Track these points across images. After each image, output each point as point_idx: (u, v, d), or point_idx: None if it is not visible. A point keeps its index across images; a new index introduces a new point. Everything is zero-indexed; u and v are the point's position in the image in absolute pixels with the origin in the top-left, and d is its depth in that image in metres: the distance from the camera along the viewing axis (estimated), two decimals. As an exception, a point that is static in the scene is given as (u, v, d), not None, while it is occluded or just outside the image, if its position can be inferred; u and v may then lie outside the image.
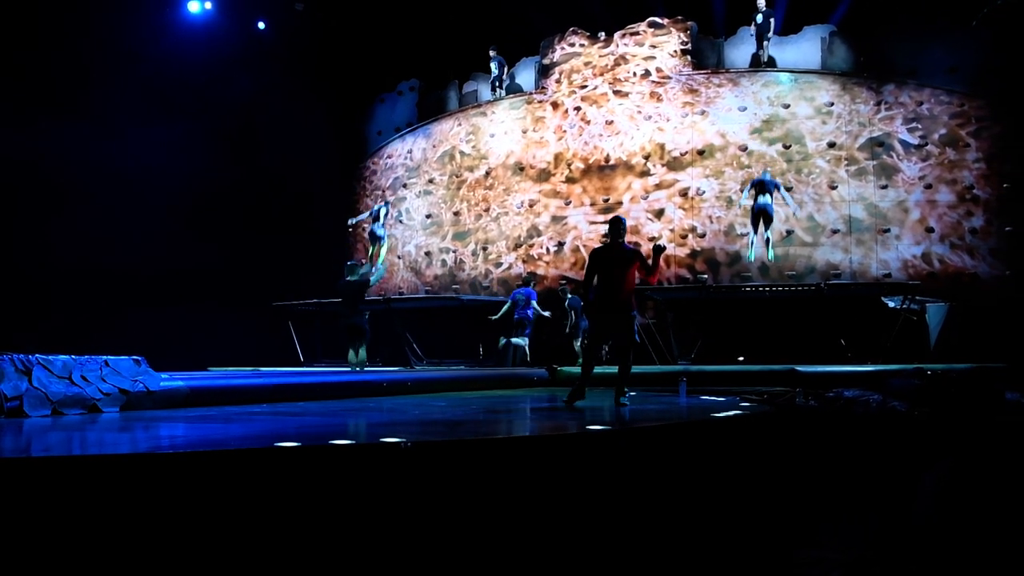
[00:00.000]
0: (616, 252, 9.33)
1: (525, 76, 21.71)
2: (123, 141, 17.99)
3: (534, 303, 17.06)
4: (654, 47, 19.82)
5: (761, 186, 16.61)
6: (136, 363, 8.54)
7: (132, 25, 18.53)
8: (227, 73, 19.98)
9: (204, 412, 8.12)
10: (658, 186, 19.27)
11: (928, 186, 17.37)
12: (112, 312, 16.68)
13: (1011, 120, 16.99)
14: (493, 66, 21.44)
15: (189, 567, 4.23)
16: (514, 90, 21.68)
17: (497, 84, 21.60)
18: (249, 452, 4.87)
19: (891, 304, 15.88)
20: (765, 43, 18.85)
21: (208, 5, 20.36)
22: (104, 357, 8.29)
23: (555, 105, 20.67)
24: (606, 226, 18.79)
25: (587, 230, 19.77)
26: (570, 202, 20.06)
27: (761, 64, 18.96)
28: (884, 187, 17.55)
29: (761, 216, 16.63)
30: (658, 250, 9.58)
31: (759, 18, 18.69)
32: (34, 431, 6.32)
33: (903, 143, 17.67)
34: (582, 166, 20.09)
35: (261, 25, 21.95)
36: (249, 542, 4.38)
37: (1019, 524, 5.53)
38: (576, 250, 19.81)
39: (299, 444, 5.07)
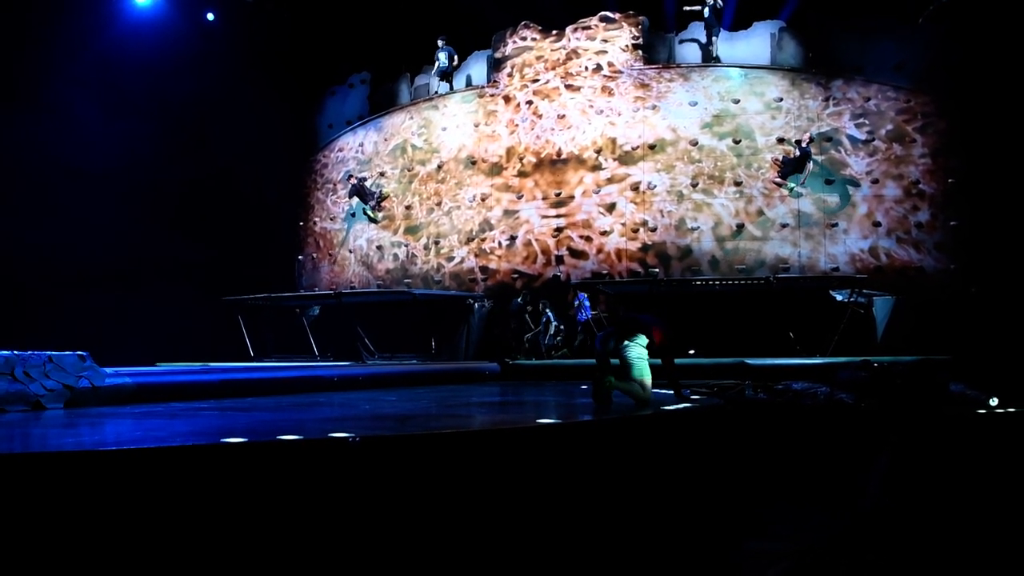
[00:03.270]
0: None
1: (477, 69, 21.63)
2: (70, 132, 17.69)
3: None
4: (606, 41, 19.87)
5: None
6: (81, 359, 8.40)
7: (77, 15, 18.24)
8: (176, 64, 19.74)
9: (151, 408, 8.02)
10: (610, 180, 19.30)
11: (875, 181, 17.59)
12: (59, 306, 16.43)
13: (956, 116, 17.25)
14: (442, 56, 21.22)
15: (133, 564, 4.17)
16: (464, 82, 21.64)
17: (449, 75, 21.46)
18: (194, 448, 4.81)
19: (839, 297, 16.09)
20: (714, 38, 18.95)
21: (156, -5, 20.09)
22: (48, 352, 8.14)
23: (507, 99, 20.64)
24: (558, 220, 19.12)
25: (539, 224, 19.77)
26: (522, 196, 20.04)
27: (711, 59, 19.07)
28: (832, 182, 17.73)
29: None
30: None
31: (706, 12, 18.74)
32: (-26, 428, 6.19)
33: (851, 138, 17.87)
34: (534, 160, 20.08)
35: (210, 16, 21.68)
36: (195, 539, 4.33)
37: (962, 510, 5.62)
38: (528, 244, 19.80)
39: (246, 440, 5.01)
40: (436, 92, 21.66)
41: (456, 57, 21.41)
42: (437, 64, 21.33)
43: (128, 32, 19.40)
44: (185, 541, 4.30)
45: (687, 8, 18.99)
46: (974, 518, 5.71)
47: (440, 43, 21.10)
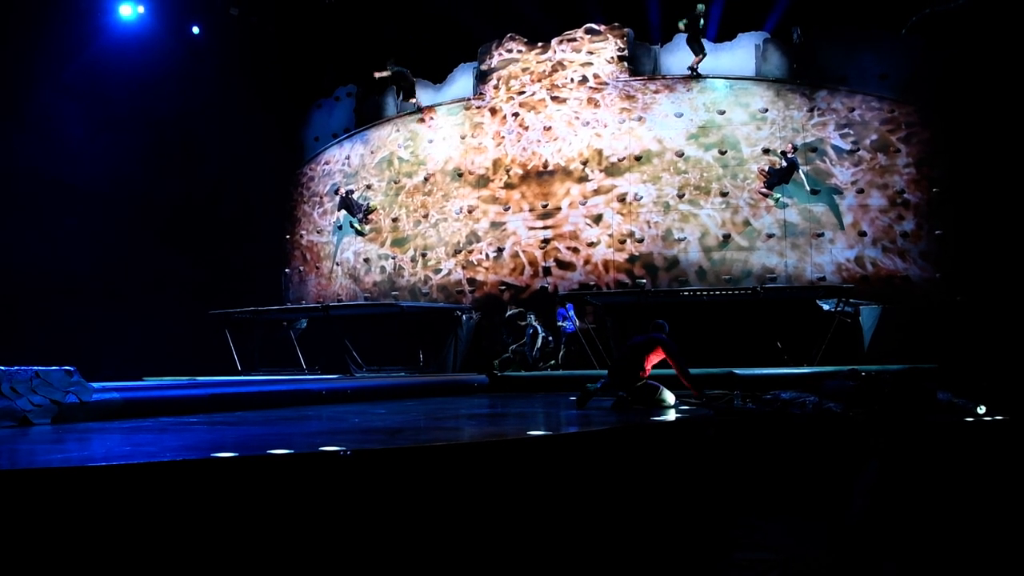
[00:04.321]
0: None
1: (463, 82, 21.67)
2: (55, 145, 17.66)
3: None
4: (591, 53, 19.93)
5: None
6: (68, 374, 8.35)
7: (62, 29, 18.21)
8: (161, 78, 19.72)
9: (139, 423, 7.98)
10: (596, 191, 19.35)
11: (860, 191, 17.67)
12: (46, 320, 16.37)
13: (939, 126, 17.35)
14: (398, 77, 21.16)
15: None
16: (407, 109, 21.77)
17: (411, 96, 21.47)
18: (185, 463, 4.79)
19: (826, 307, 16.12)
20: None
21: (141, 9, 20.03)
22: (35, 367, 8.10)
23: (493, 111, 20.67)
24: (545, 231, 19.15)
25: (526, 235, 19.79)
26: (509, 208, 20.06)
27: (692, 69, 19.07)
28: (817, 192, 17.79)
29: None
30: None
31: (698, 15, 18.45)
32: (-40, 445, 6.15)
33: (836, 148, 17.95)
34: (520, 172, 20.11)
35: (196, 30, 21.65)
36: (186, 554, 4.31)
37: (950, 518, 5.63)
38: (515, 256, 19.81)
39: (236, 454, 4.99)
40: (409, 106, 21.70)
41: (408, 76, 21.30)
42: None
43: (114, 46, 19.36)
44: (176, 557, 4.29)
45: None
46: (962, 526, 5.73)
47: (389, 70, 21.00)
